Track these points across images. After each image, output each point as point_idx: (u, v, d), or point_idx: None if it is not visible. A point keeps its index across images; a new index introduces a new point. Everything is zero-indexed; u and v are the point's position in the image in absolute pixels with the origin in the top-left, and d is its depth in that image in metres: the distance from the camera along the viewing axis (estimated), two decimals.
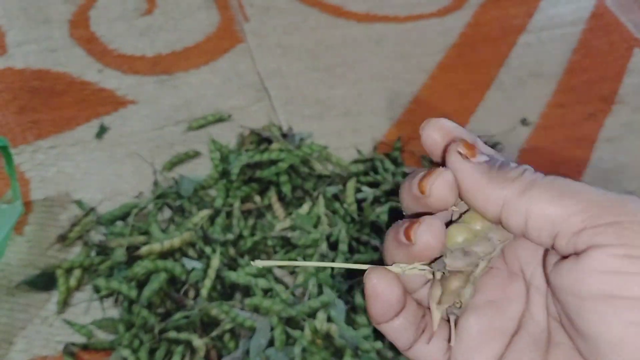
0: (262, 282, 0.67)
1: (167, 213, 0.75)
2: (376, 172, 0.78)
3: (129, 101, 0.85)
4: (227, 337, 0.64)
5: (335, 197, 0.76)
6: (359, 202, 0.75)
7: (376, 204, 0.74)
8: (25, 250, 0.72)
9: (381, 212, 0.72)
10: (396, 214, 0.73)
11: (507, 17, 1.05)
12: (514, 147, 0.87)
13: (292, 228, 0.72)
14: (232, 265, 0.70)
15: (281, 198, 0.77)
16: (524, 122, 0.90)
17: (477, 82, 0.95)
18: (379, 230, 0.72)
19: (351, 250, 0.70)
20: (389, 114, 0.90)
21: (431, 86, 0.94)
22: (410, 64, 0.96)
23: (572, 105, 0.93)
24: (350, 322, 0.64)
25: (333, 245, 0.70)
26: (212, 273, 0.66)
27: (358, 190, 0.76)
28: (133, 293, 0.65)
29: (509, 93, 0.94)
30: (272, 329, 0.63)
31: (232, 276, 0.67)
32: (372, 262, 0.66)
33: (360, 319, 0.64)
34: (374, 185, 0.77)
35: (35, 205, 0.75)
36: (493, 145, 0.85)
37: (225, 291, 0.68)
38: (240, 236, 0.72)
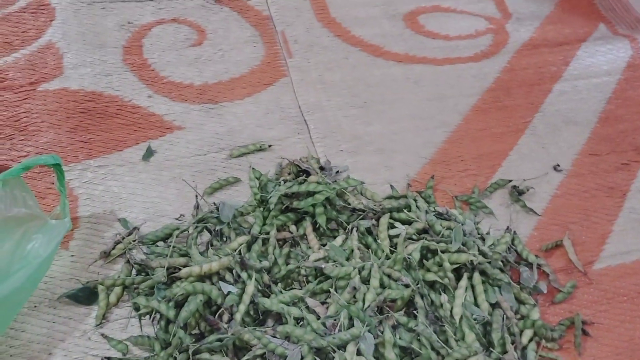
0: (294, 311, 0.68)
1: (206, 236, 0.78)
2: (409, 209, 0.80)
3: (176, 127, 0.89)
4: None
5: (369, 231, 0.78)
6: (391, 238, 0.77)
7: (408, 241, 0.76)
8: (69, 264, 0.75)
9: (413, 250, 0.73)
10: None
11: (544, 64, 1.07)
12: (546, 192, 0.88)
13: (326, 259, 0.74)
14: (266, 292, 0.72)
15: (316, 229, 0.79)
16: (556, 168, 0.92)
17: (511, 126, 0.97)
18: (409, 268, 0.73)
19: (382, 285, 0.71)
20: (423, 152, 0.92)
21: (465, 128, 0.96)
22: (446, 105, 0.99)
23: (605, 154, 0.95)
24: (379, 355, 0.66)
25: (365, 279, 0.72)
26: (246, 298, 0.68)
27: (391, 226, 0.78)
28: (171, 313, 0.67)
29: (543, 139, 0.96)
30: (302, 357, 0.64)
31: (266, 303, 0.69)
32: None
33: (389, 354, 0.65)
34: (406, 222, 0.79)
35: (82, 222, 0.79)
36: (525, 190, 0.87)
37: (258, 317, 0.70)
38: (274, 263, 0.75)
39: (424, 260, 0.75)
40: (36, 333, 0.69)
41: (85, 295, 0.72)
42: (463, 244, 0.74)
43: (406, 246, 0.75)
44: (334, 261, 0.74)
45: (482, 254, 0.74)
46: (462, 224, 0.77)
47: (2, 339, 0.68)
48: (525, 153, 0.94)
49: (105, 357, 0.67)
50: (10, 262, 0.68)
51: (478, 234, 0.79)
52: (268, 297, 0.71)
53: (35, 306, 0.71)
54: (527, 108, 1.00)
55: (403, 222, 0.79)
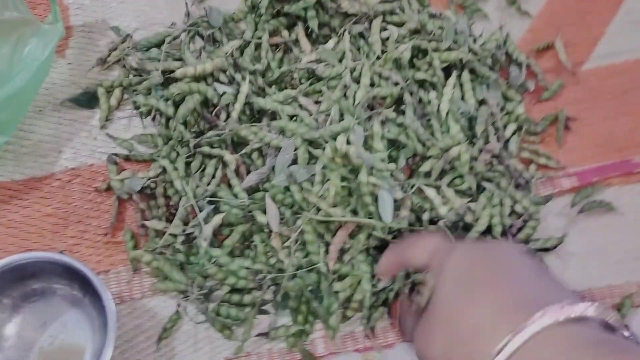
0: (288, 109, 0.71)
1: (199, 43, 0.79)
2: (403, 11, 0.79)
3: None
4: (255, 155, 0.71)
5: (361, 35, 0.78)
6: (383, 41, 0.77)
7: (400, 42, 0.76)
8: (67, 71, 0.77)
9: (404, 49, 0.74)
10: None
11: None
12: None
13: (318, 61, 0.76)
14: (261, 94, 0.74)
15: (308, 34, 0.79)
16: None
17: None
18: (400, 67, 0.75)
19: (372, 84, 0.73)
20: None
21: None
22: None
23: None
24: (368, 147, 0.70)
25: (356, 79, 0.74)
26: (242, 98, 0.71)
27: (383, 29, 0.78)
28: (170, 110, 0.71)
29: None
30: (295, 148, 0.68)
31: (261, 102, 0.71)
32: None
33: (377, 145, 0.69)
34: (399, 25, 0.79)
35: (75, 31, 0.79)
36: None
37: (254, 115, 0.73)
38: (268, 67, 0.76)
39: (415, 60, 0.76)
40: (44, 134, 0.73)
41: (87, 99, 0.75)
42: (454, 42, 0.75)
43: (397, 47, 0.75)
44: (327, 63, 0.75)
45: (473, 52, 0.75)
46: (454, 24, 0.77)
47: (13, 139, 0.73)
48: None
49: (113, 154, 0.72)
50: (10, 64, 0.70)
51: (470, 35, 0.79)
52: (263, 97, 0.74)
53: (40, 110, 0.75)
54: None
55: (396, 25, 0.79)
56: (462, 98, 0.74)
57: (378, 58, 0.75)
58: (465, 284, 0.41)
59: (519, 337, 0.35)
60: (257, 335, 0.66)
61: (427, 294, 0.45)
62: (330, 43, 0.77)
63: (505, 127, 0.75)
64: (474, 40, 0.79)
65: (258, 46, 0.78)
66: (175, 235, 0.67)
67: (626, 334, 0.37)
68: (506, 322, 0.36)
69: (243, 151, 0.70)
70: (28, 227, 0.69)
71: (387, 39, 0.77)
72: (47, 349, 0.64)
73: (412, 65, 0.76)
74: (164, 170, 0.70)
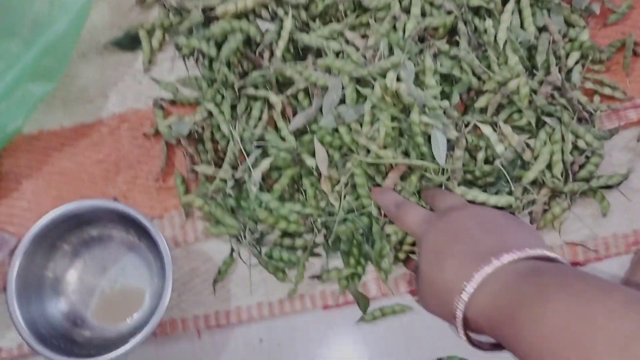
0: (334, 45, 0.68)
1: None
2: None
3: None
4: (301, 95, 0.68)
5: None
6: None
7: None
8: (107, 12, 0.76)
9: None
10: None
11: None
12: None
13: None
14: (304, 29, 0.71)
15: None
16: None
17: None
18: None
19: (423, 14, 0.69)
20: None
21: None
22: None
23: None
24: (419, 83, 0.66)
25: (405, 9, 0.69)
26: (285, 34, 0.68)
27: None
28: (212, 51, 0.68)
29: None
30: (343, 87, 0.66)
31: (305, 38, 0.68)
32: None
33: (429, 81, 0.66)
34: None
35: None
36: None
37: (299, 53, 0.70)
38: (311, 0, 0.72)
39: None
40: (90, 79, 0.73)
41: (129, 42, 0.74)
42: None
43: None
44: None
45: None
46: None
47: (60, 85, 0.72)
48: None
49: (159, 98, 0.71)
50: (50, 8, 0.68)
51: None
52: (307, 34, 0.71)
53: (83, 54, 0.74)
54: None
55: None
56: (521, 26, 0.69)
57: None
58: (436, 253, 0.50)
59: (471, 283, 0.44)
60: (309, 278, 0.66)
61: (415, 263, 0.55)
62: None
63: (567, 56, 0.70)
64: None
65: None
66: (225, 180, 0.66)
67: (553, 256, 0.45)
68: (463, 274, 0.45)
69: (289, 92, 0.68)
70: (81, 174, 0.70)
71: None
72: (108, 292, 0.67)
73: None
74: (210, 114, 0.68)
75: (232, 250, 0.67)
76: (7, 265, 0.65)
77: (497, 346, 0.47)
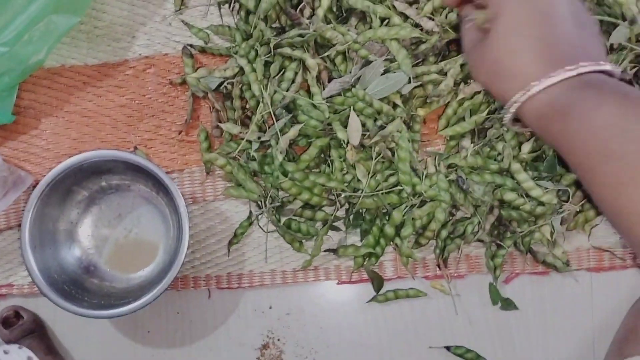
0: (380, 10, 0.63)
1: None
2: None
3: None
4: (339, 59, 0.65)
5: None
6: None
7: None
8: None
9: None
10: None
11: None
12: None
13: None
14: None
15: None
16: None
17: None
18: None
19: None
20: None
21: None
22: None
23: None
24: None
25: None
26: None
27: None
28: (251, 3, 0.64)
29: None
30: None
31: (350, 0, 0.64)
32: None
33: None
34: None
35: None
36: None
37: (342, 14, 0.66)
38: None
39: None
40: (117, 15, 0.69)
41: None
42: None
43: None
44: None
45: None
46: None
47: (86, 19, 0.69)
48: None
49: (188, 44, 0.67)
50: None
51: None
52: None
53: None
54: None
55: None
56: None
57: None
58: (516, 33, 0.46)
59: (539, 85, 0.44)
60: (325, 251, 0.65)
61: (484, 18, 0.49)
62: None
63: None
64: None
65: None
66: (250, 142, 0.64)
67: (617, 74, 0.45)
68: (535, 73, 0.44)
69: (327, 53, 0.64)
70: (102, 117, 0.67)
71: None
72: (121, 241, 0.66)
73: None
74: (242, 71, 0.65)
75: (251, 214, 0.66)
76: (23, 204, 0.65)
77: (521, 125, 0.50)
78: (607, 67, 0.45)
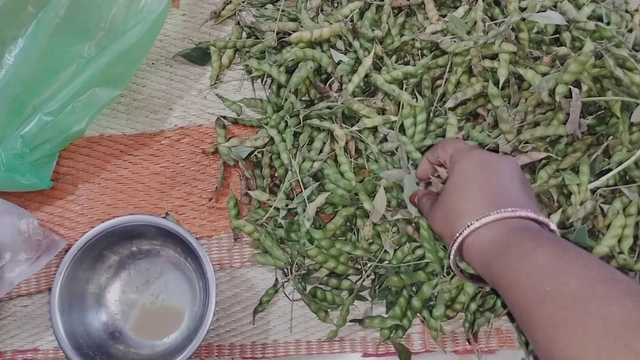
0: (405, 97, 0.65)
1: (316, 1, 0.74)
2: None
3: None
4: (366, 133, 0.66)
5: (496, 1, 0.70)
6: (522, 9, 0.68)
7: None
8: (181, 23, 0.75)
9: (548, 25, 0.65)
10: None
11: None
12: None
13: (444, 32, 0.69)
14: (378, 63, 0.69)
15: None
16: None
17: None
18: (541, 43, 0.66)
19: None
20: None
21: None
22: None
23: None
24: None
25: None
26: (362, 71, 0.66)
27: None
28: (282, 77, 0.67)
29: None
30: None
31: (378, 80, 0.66)
32: None
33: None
34: None
35: None
36: None
37: (369, 88, 0.68)
38: (388, 33, 0.70)
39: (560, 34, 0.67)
40: (156, 89, 0.73)
41: (199, 55, 0.73)
42: (607, 23, 0.65)
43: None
44: (453, 35, 0.68)
45: None
46: None
47: (126, 92, 0.73)
48: None
49: (221, 116, 0.70)
50: (126, 17, 0.68)
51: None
52: (379, 69, 0.69)
53: (153, 63, 0.74)
54: None
55: None
56: None
57: (513, 30, 0.67)
58: (465, 181, 0.53)
59: (480, 221, 0.49)
60: (351, 321, 0.64)
61: (440, 184, 0.58)
62: (460, 10, 0.69)
63: None
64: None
65: (378, 8, 0.71)
66: (278, 209, 0.65)
67: (552, 227, 0.50)
68: (478, 212, 0.50)
69: (355, 127, 0.66)
70: (136, 184, 0.69)
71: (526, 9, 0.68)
72: (148, 307, 0.66)
73: (556, 40, 0.67)
74: (272, 140, 0.67)
75: (277, 281, 0.66)
76: (55, 267, 0.66)
77: (474, 278, 0.55)
78: (545, 219, 0.49)
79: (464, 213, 0.51)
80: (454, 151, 0.56)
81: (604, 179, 0.62)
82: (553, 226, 0.50)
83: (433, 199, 0.58)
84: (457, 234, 0.50)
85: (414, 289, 0.63)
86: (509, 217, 0.49)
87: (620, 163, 0.62)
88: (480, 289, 0.62)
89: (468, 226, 0.50)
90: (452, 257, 0.52)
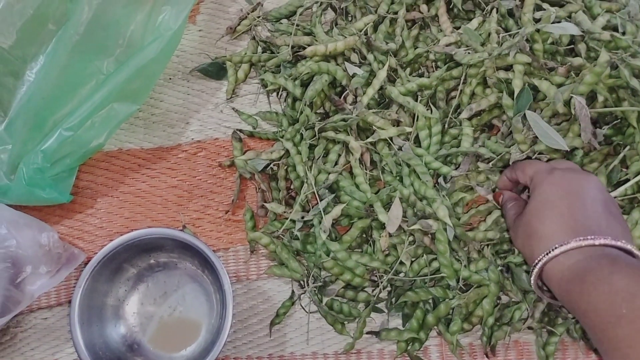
0: (420, 108, 0.66)
1: (330, 15, 0.74)
2: None
3: None
4: (380, 145, 0.67)
5: (510, 13, 0.70)
6: (536, 21, 0.68)
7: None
8: (197, 39, 0.76)
9: (563, 36, 0.65)
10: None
11: None
12: None
13: (458, 44, 0.69)
14: (392, 76, 0.69)
15: (449, 10, 0.72)
16: None
17: None
18: (555, 54, 0.66)
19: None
20: None
21: None
22: None
23: None
24: None
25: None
26: (377, 84, 0.66)
27: (538, 8, 0.69)
28: (297, 91, 0.68)
29: None
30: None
31: (393, 92, 0.66)
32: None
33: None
34: (556, 4, 0.69)
35: None
36: None
37: (383, 101, 0.69)
38: (402, 46, 0.70)
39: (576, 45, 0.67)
40: (173, 103, 0.74)
41: (215, 70, 0.74)
42: (622, 33, 0.64)
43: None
44: (467, 46, 0.68)
45: None
46: (625, 6, 0.66)
47: (144, 107, 0.74)
48: None
49: (237, 129, 0.71)
50: (144, 34, 0.70)
51: None
52: (394, 81, 0.69)
53: (170, 78, 0.75)
54: None
55: (552, 4, 0.69)
56: None
57: (528, 41, 0.67)
58: (548, 204, 0.54)
59: (559, 249, 0.50)
60: (367, 333, 0.64)
61: (523, 205, 0.59)
62: (474, 22, 0.70)
63: None
64: None
65: (392, 22, 0.72)
66: (294, 221, 0.65)
67: (636, 252, 0.49)
68: (558, 239, 0.51)
69: (369, 139, 0.66)
70: (154, 197, 0.70)
71: (540, 20, 0.68)
72: (166, 319, 0.66)
73: (571, 50, 0.67)
74: (287, 153, 0.68)
75: (293, 293, 0.66)
76: (74, 280, 0.67)
77: (555, 297, 0.54)
78: (628, 246, 0.50)
79: (544, 238, 0.52)
80: (534, 174, 0.57)
81: (621, 189, 0.61)
82: (636, 250, 0.50)
83: (518, 207, 0.59)
84: (537, 260, 0.52)
85: (430, 302, 0.63)
86: (588, 246, 0.50)
87: (638, 173, 0.61)
88: (497, 302, 0.62)
89: (547, 253, 0.51)
90: (533, 281, 0.53)
